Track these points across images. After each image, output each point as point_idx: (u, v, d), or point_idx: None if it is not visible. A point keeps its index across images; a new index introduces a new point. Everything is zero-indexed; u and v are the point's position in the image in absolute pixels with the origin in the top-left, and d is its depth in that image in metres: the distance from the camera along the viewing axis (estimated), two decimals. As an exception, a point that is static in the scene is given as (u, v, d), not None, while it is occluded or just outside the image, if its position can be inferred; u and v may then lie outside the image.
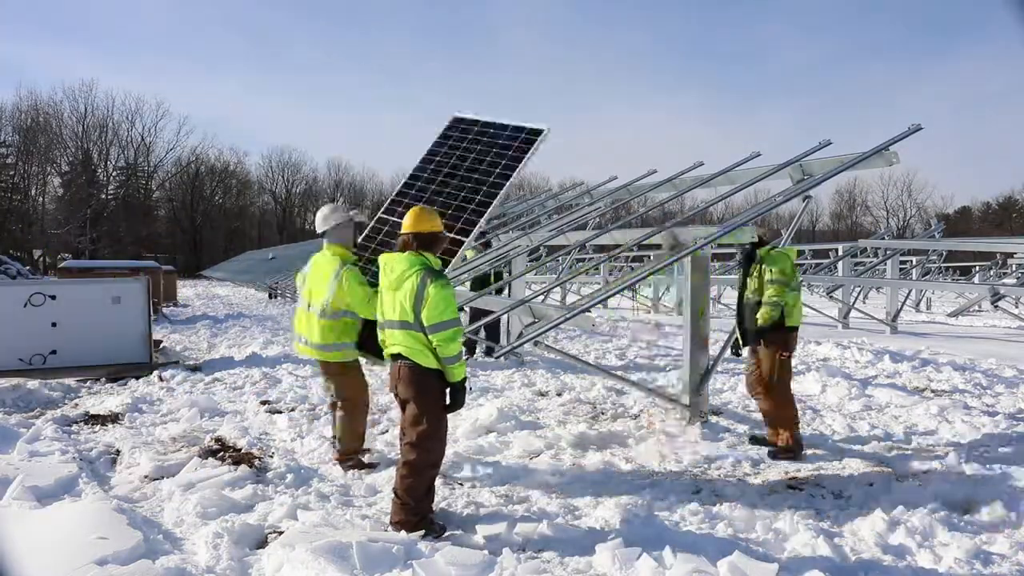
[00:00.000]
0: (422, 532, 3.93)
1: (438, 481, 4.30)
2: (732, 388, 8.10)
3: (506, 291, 10.10)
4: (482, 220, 5.40)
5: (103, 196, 59.07)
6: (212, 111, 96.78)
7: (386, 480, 4.96)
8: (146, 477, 5.04)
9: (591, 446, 5.73)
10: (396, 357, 4.08)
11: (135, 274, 11.40)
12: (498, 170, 5.71)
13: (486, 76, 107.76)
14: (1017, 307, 20.31)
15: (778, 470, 5.15)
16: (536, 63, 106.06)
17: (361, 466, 5.18)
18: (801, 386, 8.18)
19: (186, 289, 28.59)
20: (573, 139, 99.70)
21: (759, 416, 6.65)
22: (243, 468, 5.01)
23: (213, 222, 71.69)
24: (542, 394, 7.78)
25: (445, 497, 4.61)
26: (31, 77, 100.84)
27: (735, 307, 6.14)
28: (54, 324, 9.23)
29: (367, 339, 4.96)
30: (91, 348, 9.39)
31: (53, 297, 9.29)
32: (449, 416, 4.11)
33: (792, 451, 5.48)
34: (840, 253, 21.01)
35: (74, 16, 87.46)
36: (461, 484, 4.90)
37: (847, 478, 4.93)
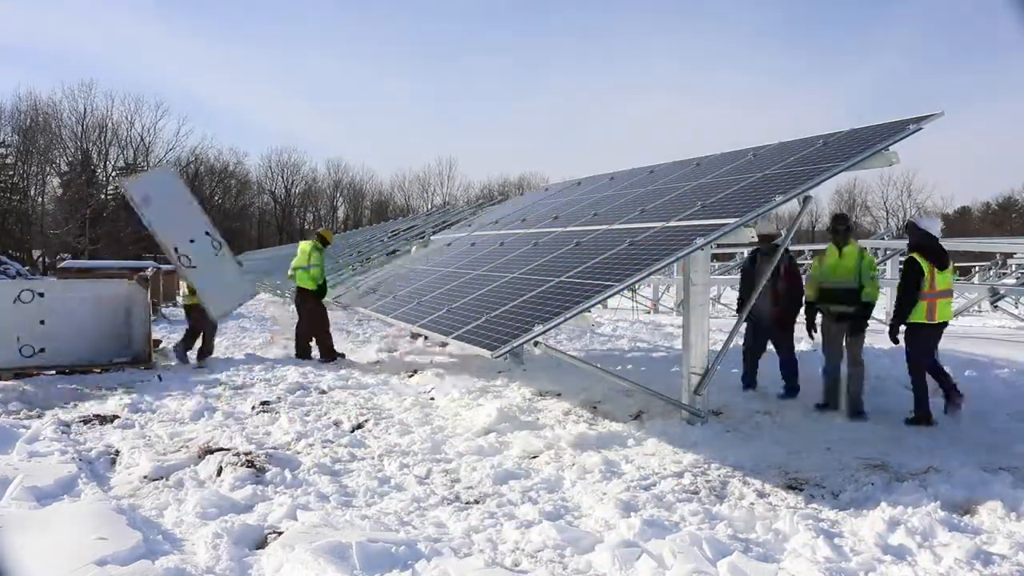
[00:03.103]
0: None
1: (435, 477, 5.00)
2: (732, 388, 8.09)
3: None
4: None
5: (103, 196, 58.94)
6: (212, 111, 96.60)
7: (383, 481, 4.97)
8: (146, 477, 5.04)
9: (591, 446, 5.72)
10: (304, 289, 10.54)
11: (136, 274, 11.36)
12: None
13: (490, 74, 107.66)
14: (1017, 307, 20.26)
15: (778, 470, 5.15)
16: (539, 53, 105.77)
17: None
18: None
19: (186, 289, 28.70)
20: (573, 138, 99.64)
21: (760, 416, 6.66)
22: (242, 468, 5.01)
23: (213, 222, 71.50)
24: (542, 394, 7.77)
25: (445, 496, 4.61)
26: (30, 76, 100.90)
27: None
28: (42, 322, 9.06)
29: None
30: (90, 348, 9.37)
31: (41, 295, 9.17)
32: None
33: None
34: (840, 253, 20.95)
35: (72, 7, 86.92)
36: (460, 483, 4.90)
37: (847, 478, 4.93)
